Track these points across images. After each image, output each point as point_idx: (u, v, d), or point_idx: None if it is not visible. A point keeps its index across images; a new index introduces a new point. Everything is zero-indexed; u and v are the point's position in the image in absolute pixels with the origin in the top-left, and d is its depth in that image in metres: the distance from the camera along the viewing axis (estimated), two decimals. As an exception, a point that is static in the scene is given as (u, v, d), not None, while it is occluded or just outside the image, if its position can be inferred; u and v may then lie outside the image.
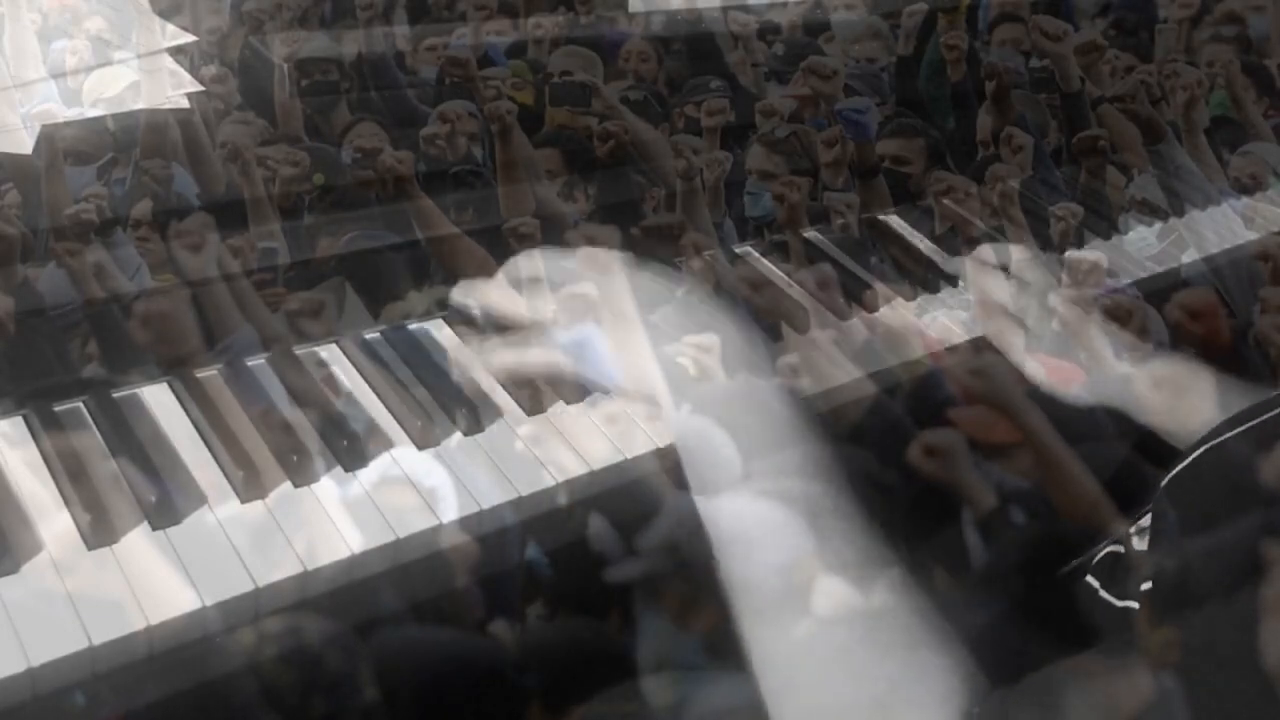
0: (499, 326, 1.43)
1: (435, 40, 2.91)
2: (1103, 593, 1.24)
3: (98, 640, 1.32)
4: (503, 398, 1.79)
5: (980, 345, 1.99)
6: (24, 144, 2.16)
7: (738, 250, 2.29)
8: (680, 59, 3.03)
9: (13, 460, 1.53)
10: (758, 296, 2.12)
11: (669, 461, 1.63)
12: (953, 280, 2.27)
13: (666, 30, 3.10)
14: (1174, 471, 1.11)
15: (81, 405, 1.65)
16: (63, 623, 1.33)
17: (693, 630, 1.69)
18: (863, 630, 1.04)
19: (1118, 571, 1.23)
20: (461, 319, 1.91)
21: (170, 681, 1.39)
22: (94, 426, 1.61)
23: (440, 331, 1.93)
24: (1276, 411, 1.06)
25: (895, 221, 2.45)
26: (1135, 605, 1.13)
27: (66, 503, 1.47)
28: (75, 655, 1.31)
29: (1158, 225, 2.51)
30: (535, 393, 1.77)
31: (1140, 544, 1.20)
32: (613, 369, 1.35)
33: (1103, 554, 1.29)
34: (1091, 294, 2.11)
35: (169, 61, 2.44)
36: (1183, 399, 1.56)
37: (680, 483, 1.20)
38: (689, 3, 3.08)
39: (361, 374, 1.80)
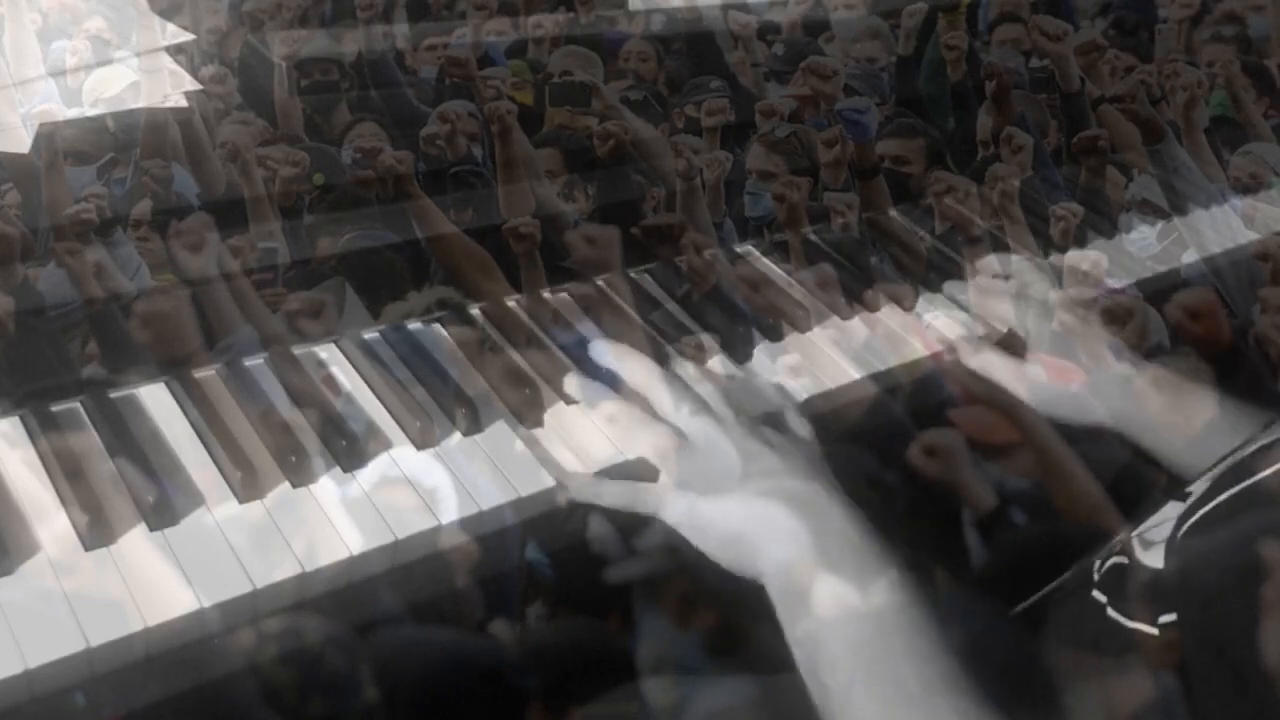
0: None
1: (435, 40, 2.91)
2: (1111, 610, 1.21)
3: (95, 641, 1.32)
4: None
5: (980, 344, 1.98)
6: (24, 143, 2.16)
7: (738, 250, 2.29)
8: (680, 59, 3.03)
9: (10, 460, 1.53)
10: (758, 296, 2.12)
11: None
12: (954, 279, 2.27)
13: (666, 30, 3.09)
14: (1200, 512, 1.08)
15: (79, 405, 1.64)
16: (60, 624, 1.33)
17: (693, 630, 1.68)
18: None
19: (1125, 586, 1.21)
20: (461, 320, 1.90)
21: (169, 683, 1.39)
22: (92, 427, 1.61)
23: (440, 331, 1.93)
24: None
25: (896, 221, 2.44)
26: (1147, 629, 1.10)
27: (64, 503, 1.47)
28: (73, 657, 1.31)
29: (1158, 225, 2.50)
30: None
31: (1145, 555, 1.17)
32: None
33: (1108, 566, 1.27)
34: (1091, 294, 2.10)
35: (169, 61, 2.44)
36: (1183, 401, 1.55)
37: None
38: (689, 2, 3.07)
39: (361, 374, 1.80)
